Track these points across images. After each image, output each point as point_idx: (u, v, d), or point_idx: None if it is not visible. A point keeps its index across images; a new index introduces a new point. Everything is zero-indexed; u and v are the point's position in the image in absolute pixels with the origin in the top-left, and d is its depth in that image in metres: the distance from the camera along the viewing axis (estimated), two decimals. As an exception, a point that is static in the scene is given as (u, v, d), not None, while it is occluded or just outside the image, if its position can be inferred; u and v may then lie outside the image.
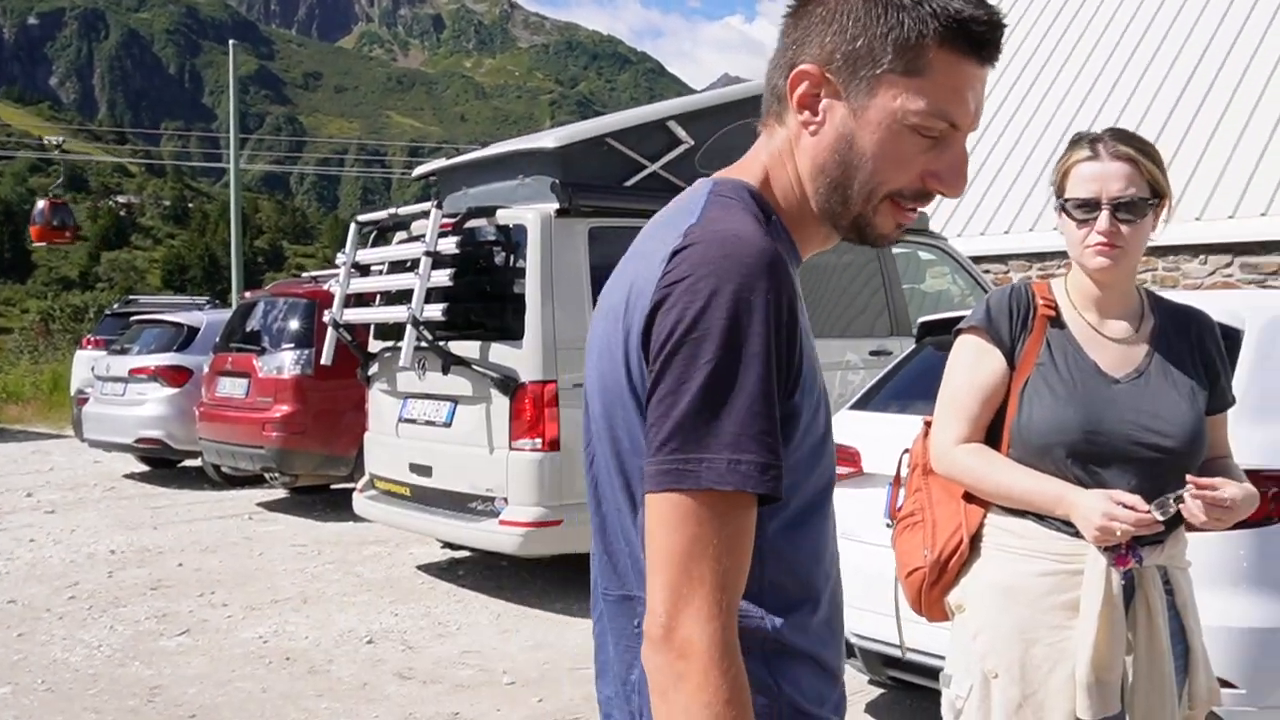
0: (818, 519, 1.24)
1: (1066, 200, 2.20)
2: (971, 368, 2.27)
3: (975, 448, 2.24)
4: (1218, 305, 3.72)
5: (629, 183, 6.45)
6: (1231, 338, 3.63)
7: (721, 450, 1.08)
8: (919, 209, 1.24)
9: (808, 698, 1.21)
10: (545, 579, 6.77)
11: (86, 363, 12.66)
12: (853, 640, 4.13)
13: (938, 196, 1.24)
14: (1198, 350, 2.27)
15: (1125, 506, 2.04)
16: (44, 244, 30.26)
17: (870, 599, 3.95)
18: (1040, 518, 2.18)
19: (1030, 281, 2.36)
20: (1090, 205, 2.16)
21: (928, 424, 2.44)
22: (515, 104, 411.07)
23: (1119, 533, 2.04)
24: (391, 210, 6.99)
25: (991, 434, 2.26)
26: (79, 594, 6.60)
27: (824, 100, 1.20)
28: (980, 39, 1.17)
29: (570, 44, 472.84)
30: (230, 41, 23.07)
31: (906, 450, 2.59)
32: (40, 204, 28.88)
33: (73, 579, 6.98)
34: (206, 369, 9.96)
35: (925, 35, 1.16)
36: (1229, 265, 9.87)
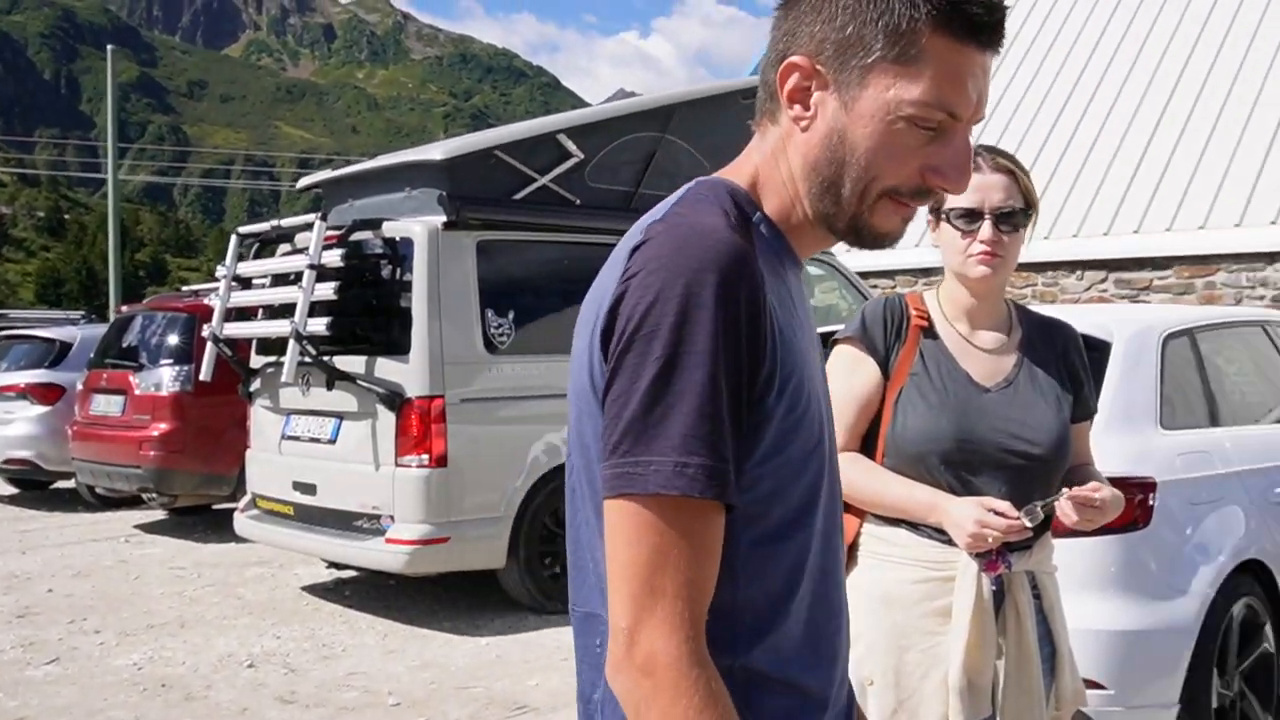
0: (801, 534, 1.15)
1: (949, 210, 2.23)
2: (847, 377, 2.29)
3: (851, 457, 2.26)
4: (1088, 319, 3.86)
5: (518, 196, 6.41)
6: (1100, 350, 3.76)
7: (668, 453, 1.02)
8: (947, 192, 1.17)
9: (758, 714, 1.12)
10: (433, 597, 6.68)
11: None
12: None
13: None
14: (1062, 360, 2.33)
15: (996, 513, 2.09)
16: None
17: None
18: (914, 526, 2.22)
19: (905, 293, 2.40)
20: (973, 215, 2.21)
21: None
22: (409, 116, 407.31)
23: (990, 539, 2.09)
24: (275, 222, 6.86)
25: (867, 443, 2.29)
26: (-60, 622, 6.31)
27: (815, 93, 1.14)
28: (978, 22, 1.10)
29: (465, 56, 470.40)
30: (109, 47, 22.46)
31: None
32: None
33: (-66, 606, 6.67)
34: (80, 386, 9.63)
35: (918, 20, 1.09)
36: (1104, 281, 10.21)
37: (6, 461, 10.36)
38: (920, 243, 11.91)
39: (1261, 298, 9.24)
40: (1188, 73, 11.46)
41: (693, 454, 1.02)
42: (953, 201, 2.22)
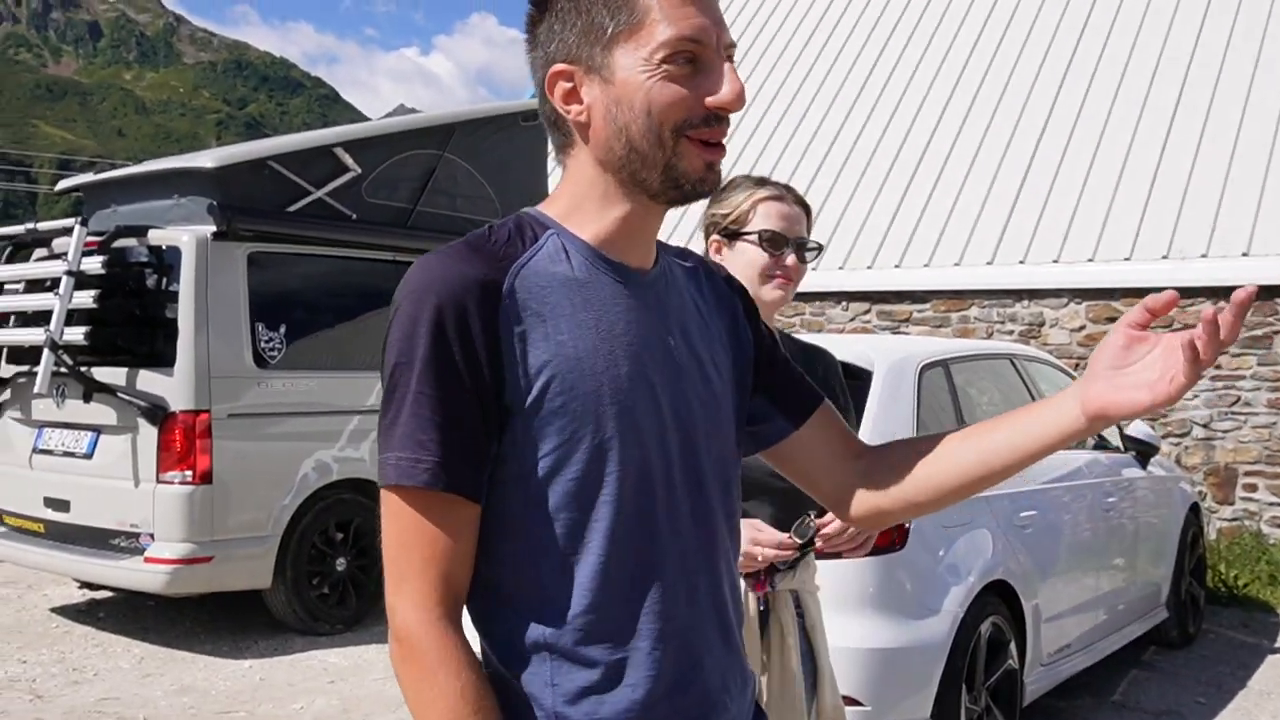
0: (588, 517, 1.23)
1: (761, 231, 2.31)
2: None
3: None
4: (851, 349, 4.06)
5: (292, 208, 6.29)
6: (862, 378, 3.97)
7: (394, 449, 1.19)
8: (722, 142, 1.26)
9: (563, 693, 1.23)
10: (194, 619, 6.44)
11: None
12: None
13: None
14: (823, 386, 2.45)
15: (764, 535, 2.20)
16: None
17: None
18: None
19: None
20: (779, 240, 2.32)
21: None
22: (179, 121, 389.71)
23: (760, 558, 2.19)
24: (30, 225, 6.50)
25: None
26: None
27: (582, 88, 1.25)
28: None
29: (240, 63, 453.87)
30: None
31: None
32: None
33: None
34: None
35: None
36: (868, 312, 10.75)
37: None
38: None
39: (1010, 332, 9.92)
40: (948, 114, 12.23)
41: (405, 450, 1.18)
42: (761, 224, 2.31)
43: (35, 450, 6.25)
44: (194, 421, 5.61)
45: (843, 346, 3.54)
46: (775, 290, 2.33)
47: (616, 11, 1.22)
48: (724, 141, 1.27)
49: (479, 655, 1.24)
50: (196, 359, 5.65)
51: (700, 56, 1.23)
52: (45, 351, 5.73)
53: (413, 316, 1.18)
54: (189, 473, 5.59)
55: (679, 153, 1.23)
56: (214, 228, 5.84)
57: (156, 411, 5.64)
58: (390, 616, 1.21)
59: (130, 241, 5.96)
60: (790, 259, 2.33)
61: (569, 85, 1.26)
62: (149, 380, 5.74)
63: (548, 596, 1.23)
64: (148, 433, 5.69)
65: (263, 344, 5.93)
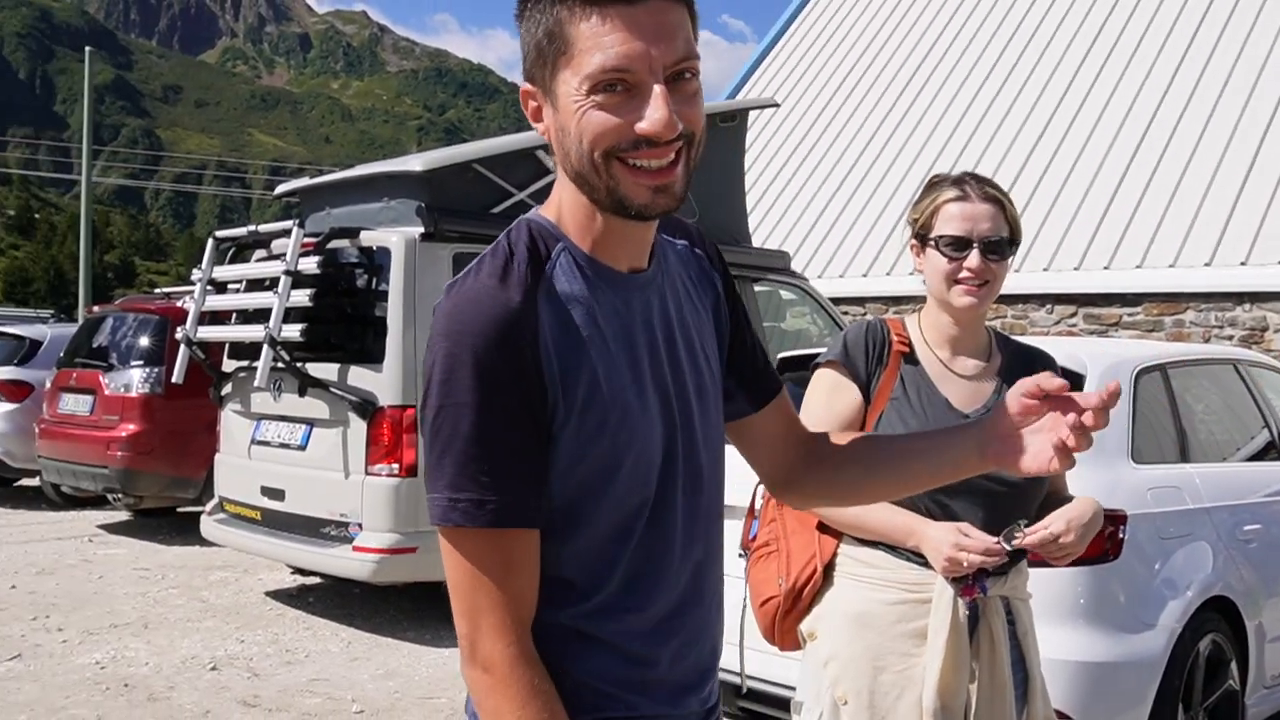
0: (622, 535, 1.31)
1: (939, 237, 2.26)
2: (828, 401, 2.32)
3: (830, 478, 2.29)
4: (1062, 350, 3.90)
5: (496, 210, 6.44)
6: (1074, 382, 3.80)
7: (443, 490, 1.22)
8: (657, 161, 1.24)
9: (603, 679, 1.32)
10: (398, 607, 6.66)
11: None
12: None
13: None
14: None
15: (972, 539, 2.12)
16: None
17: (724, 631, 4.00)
18: (891, 548, 2.25)
19: (886, 318, 2.44)
20: (961, 243, 2.23)
21: (784, 455, 2.49)
22: (382, 128, 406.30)
23: (966, 564, 2.12)
24: (252, 227, 6.84)
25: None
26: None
27: (543, 109, 1.29)
28: None
29: (440, 71, 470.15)
30: (86, 49, 22.33)
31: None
32: None
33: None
34: (49, 384, 9.54)
35: (559, 12, 1.22)
36: (1073, 315, 10.34)
37: (-30, 458, 10.23)
38: (892, 270, 12.02)
39: (1230, 338, 9.37)
40: (1163, 110, 11.65)
41: (461, 490, 1.22)
42: (941, 229, 2.25)
43: (254, 441, 6.57)
44: (401, 416, 5.79)
45: (1053, 349, 3.40)
46: (964, 296, 2.25)
47: (552, 39, 1.24)
48: (671, 164, 1.25)
49: None
50: (404, 356, 5.83)
51: (632, 82, 1.22)
52: (265, 348, 6.02)
53: (455, 358, 1.21)
54: (396, 465, 5.78)
55: (615, 178, 1.24)
56: (422, 229, 6.02)
57: (366, 406, 5.84)
58: (468, 649, 1.25)
59: (343, 242, 6.20)
60: (974, 261, 2.23)
61: (535, 104, 1.30)
62: (359, 376, 5.96)
63: (572, 585, 1.30)
64: (358, 426, 5.90)
65: (466, 342, 6.08)
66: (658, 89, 1.21)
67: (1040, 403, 1.35)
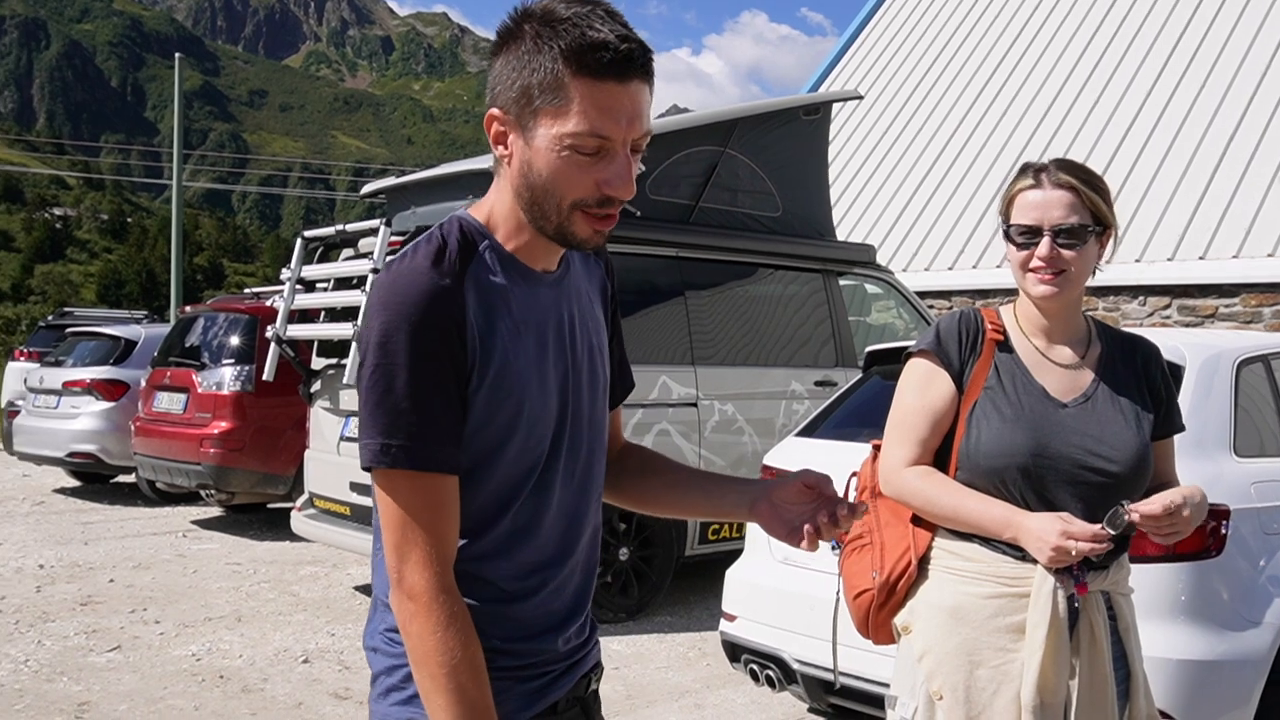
0: (512, 493, 1.50)
1: (1012, 226, 2.23)
2: (921, 391, 2.29)
3: (924, 470, 2.26)
4: (1160, 341, 3.80)
5: (580, 206, 6.45)
6: (1174, 373, 3.71)
7: (377, 436, 1.40)
8: (609, 212, 1.44)
9: (480, 614, 1.47)
10: (485, 602, 6.71)
11: (18, 375, 12.39)
12: (794, 666, 4.14)
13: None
14: (1143, 377, 2.30)
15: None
16: None
17: (813, 625, 3.98)
18: (987, 541, 2.21)
19: (980, 307, 2.40)
20: (1032, 232, 2.20)
21: (876, 447, 2.46)
22: (463, 128, 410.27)
23: (1074, 552, 2.06)
24: (339, 227, 6.94)
25: (940, 457, 2.28)
26: (5, 608, 6.43)
27: (509, 136, 1.44)
28: (604, 63, 1.38)
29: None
30: (177, 55, 22.85)
31: (854, 474, 2.62)
32: None
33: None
34: (143, 383, 9.79)
35: (560, 71, 1.38)
36: (1167, 307, 10.08)
37: (71, 454, 10.54)
38: (979, 263, 11.84)
39: (1331, 329, 9.07)
40: (1261, 92, 11.31)
41: (393, 436, 1.39)
42: (1015, 219, 2.22)
43: (342, 438, 6.67)
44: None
45: (1153, 338, 3.33)
46: (1039, 285, 2.20)
47: (545, 90, 1.39)
48: (615, 214, 1.46)
49: None
50: (490, 352, 5.87)
51: (605, 148, 1.41)
52: (353, 345, 6.10)
53: (392, 323, 1.39)
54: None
55: (571, 220, 1.44)
56: (506, 226, 6.05)
57: (453, 402, 5.89)
58: (396, 579, 1.41)
59: (429, 240, 6.25)
60: (1044, 249, 2.18)
61: (501, 129, 1.45)
62: (446, 372, 6.00)
63: (469, 532, 1.48)
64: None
65: (551, 338, 6.11)
66: (626, 158, 1.42)
67: (811, 492, 1.60)
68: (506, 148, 1.45)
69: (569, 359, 1.56)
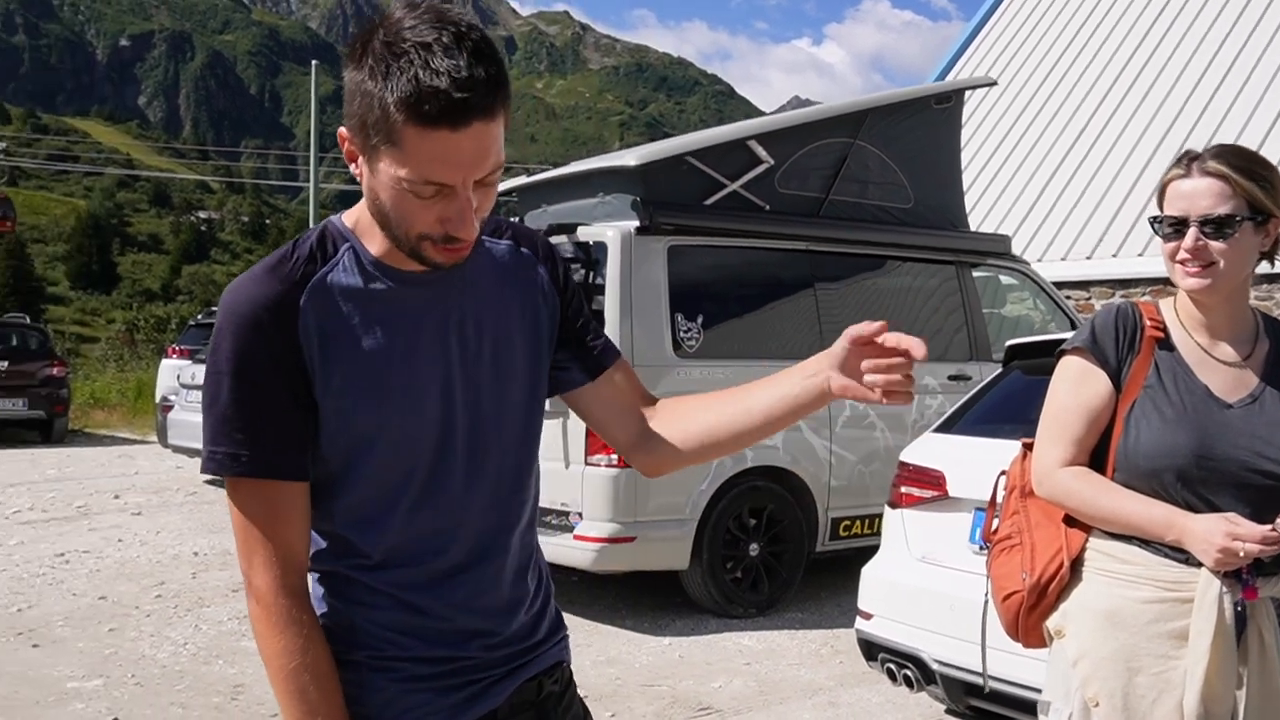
0: (390, 499, 1.48)
1: (1160, 217, 2.16)
2: (1075, 389, 2.22)
3: (1079, 471, 2.19)
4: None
5: (708, 201, 6.45)
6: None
7: (206, 444, 1.42)
8: (463, 246, 1.41)
9: (378, 623, 1.49)
10: (616, 595, 6.77)
11: (171, 371, 12.90)
12: (933, 666, 4.07)
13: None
14: None
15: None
16: None
17: (954, 625, 3.90)
18: (1146, 543, 2.13)
19: (1138, 301, 2.31)
20: (1180, 223, 2.12)
21: (1026, 446, 2.40)
22: (585, 125, 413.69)
23: (1242, 554, 1.98)
24: (474, 226, 7.05)
25: (1095, 457, 2.21)
26: (165, 593, 6.73)
27: (358, 158, 1.41)
28: (436, 113, 1.28)
29: (640, 66, 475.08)
30: (313, 63, 23.54)
31: (1003, 472, 2.56)
32: None
33: (159, 578, 7.13)
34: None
35: (393, 116, 1.30)
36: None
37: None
38: (1119, 252, 11.46)
39: None
40: None
41: (219, 445, 1.41)
42: (1165, 210, 2.15)
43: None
44: (618, 408, 5.86)
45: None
46: (1187, 278, 2.12)
47: (379, 132, 1.32)
48: (467, 244, 1.42)
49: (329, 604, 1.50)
50: (622, 348, 5.88)
51: (443, 191, 1.35)
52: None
53: (221, 332, 1.40)
54: (614, 456, 5.86)
55: (421, 248, 1.40)
56: (637, 223, 6.09)
57: (585, 398, 5.94)
58: (246, 583, 1.44)
59: (560, 238, 6.33)
60: (1189, 240, 2.09)
61: (350, 148, 1.41)
62: (578, 369, 6.05)
63: (348, 540, 1.48)
64: (577, 418, 6.00)
65: (681, 333, 6.12)
66: (466, 199, 1.36)
67: (867, 345, 1.52)
68: (358, 167, 1.42)
69: (454, 357, 1.51)
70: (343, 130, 1.41)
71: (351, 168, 1.43)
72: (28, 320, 18.44)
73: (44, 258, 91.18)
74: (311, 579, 1.51)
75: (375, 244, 1.48)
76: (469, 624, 1.53)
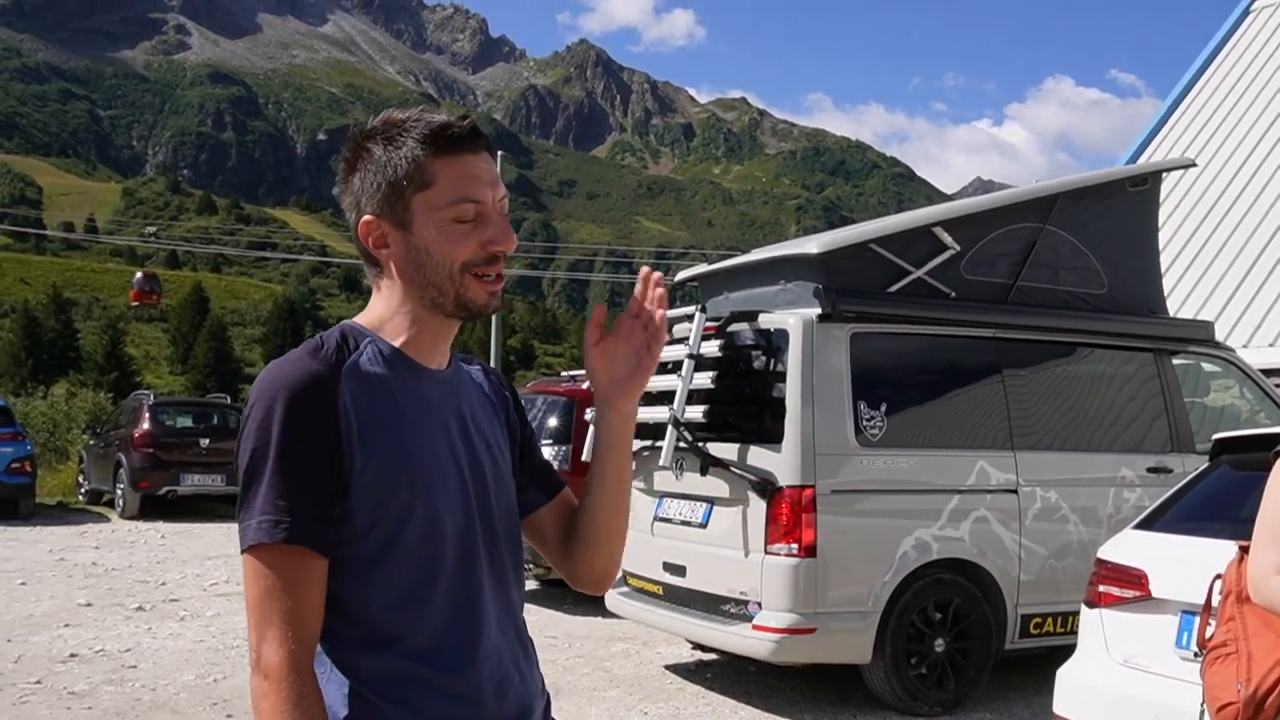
0: (427, 578, 1.52)
1: None
2: (1299, 490, 2.10)
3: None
4: None
5: (892, 288, 6.39)
6: None
7: (253, 515, 1.45)
8: (496, 271, 1.57)
9: (419, 711, 1.50)
10: (794, 687, 6.64)
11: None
12: (1136, 778, 3.84)
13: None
14: None
15: None
16: (138, 304, 42.08)
17: (1160, 734, 3.69)
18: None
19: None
20: None
21: (1243, 549, 2.28)
22: (761, 209, 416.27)
23: None
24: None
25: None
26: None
27: (389, 235, 1.56)
28: (457, 137, 1.55)
29: (818, 150, 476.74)
30: (499, 153, 24.48)
31: (1218, 576, 2.43)
32: (138, 275, 38.57)
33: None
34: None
35: (420, 156, 1.53)
36: None
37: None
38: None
39: None
40: None
41: (264, 514, 1.45)
42: None
43: (656, 518, 6.81)
44: (800, 496, 5.81)
45: None
46: None
47: (412, 179, 1.53)
48: (500, 275, 1.58)
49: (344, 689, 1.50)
50: (803, 436, 5.86)
51: (481, 211, 1.55)
52: (669, 428, 6.25)
53: (268, 409, 1.46)
54: (795, 545, 5.79)
55: (466, 286, 1.55)
56: (819, 310, 6.07)
57: (766, 486, 5.91)
58: (255, 658, 1.45)
59: (742, 325, 6.36)
60: None
61: (379, 231, 1.56)
62: (759, 456, 6.04)
63: (389, 627, 1.51)
64: (757, 505, 5.98)
65: (865, 421, 6.03)
66: (502, 215, 1.57)
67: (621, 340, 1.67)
68: (389, 247, 1.57)
69: (467, 451, 1.60)
70: (366, 218, 1.57)
71: (381, 256, 1.58)
72: (228, 400, 19.49)
73: (242, 340, 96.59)
74: (333, 686, 1.51)
75: (396, 337, 1.60)
76: (508, 709, 1.60)
